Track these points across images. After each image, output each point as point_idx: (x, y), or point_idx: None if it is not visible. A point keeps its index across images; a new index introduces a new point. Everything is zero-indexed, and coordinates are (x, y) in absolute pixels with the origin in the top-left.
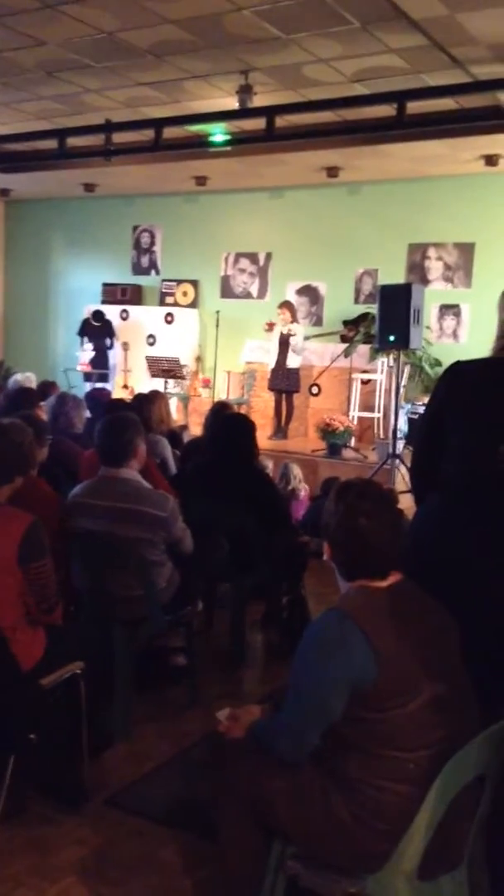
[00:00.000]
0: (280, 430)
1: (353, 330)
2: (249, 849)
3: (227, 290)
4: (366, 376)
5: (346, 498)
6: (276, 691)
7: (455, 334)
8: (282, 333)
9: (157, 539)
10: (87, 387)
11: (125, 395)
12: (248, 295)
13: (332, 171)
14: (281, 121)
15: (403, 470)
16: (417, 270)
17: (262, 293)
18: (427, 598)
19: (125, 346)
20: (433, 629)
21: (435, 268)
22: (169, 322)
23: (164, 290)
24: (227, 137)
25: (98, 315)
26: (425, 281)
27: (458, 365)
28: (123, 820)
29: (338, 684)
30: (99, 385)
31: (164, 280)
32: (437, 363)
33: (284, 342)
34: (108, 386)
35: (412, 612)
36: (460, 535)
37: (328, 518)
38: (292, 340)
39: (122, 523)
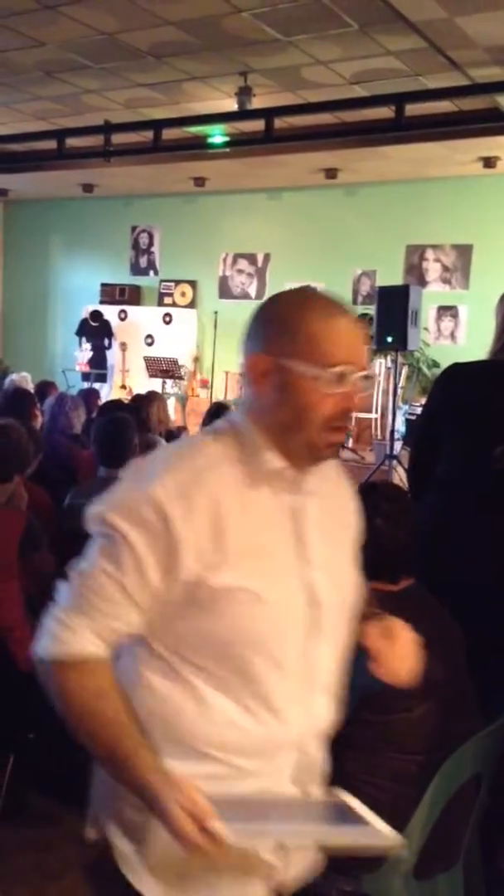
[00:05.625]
0: None
1: None
2: None
3: (225, 291)
4: None
5: (368, 498)
6: None
7: (453, 336)
8: None
9: None
10: (86, 387)
11: (123, 396)
12: (246, 295)
13: (331, 173)
14: (280, 122)
15: (401, 471)
16: (415, 272)
17: (260, 294)
18: (436, 605)
19: (123, 346)
20: (441, 636)
21: (433, 269)
22: (167, 322)
23: (162, 291)
24: (226, 139)
25: (96, 315)
26: (423, 282)
27: (455, 367)
28: None
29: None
30: (97, 385)
31: (162, 280)
32: (435, 364)
33: None
34: (105, 386)
35: (421, 619)
36: (457, 536)
37: None
38: None
39: None
